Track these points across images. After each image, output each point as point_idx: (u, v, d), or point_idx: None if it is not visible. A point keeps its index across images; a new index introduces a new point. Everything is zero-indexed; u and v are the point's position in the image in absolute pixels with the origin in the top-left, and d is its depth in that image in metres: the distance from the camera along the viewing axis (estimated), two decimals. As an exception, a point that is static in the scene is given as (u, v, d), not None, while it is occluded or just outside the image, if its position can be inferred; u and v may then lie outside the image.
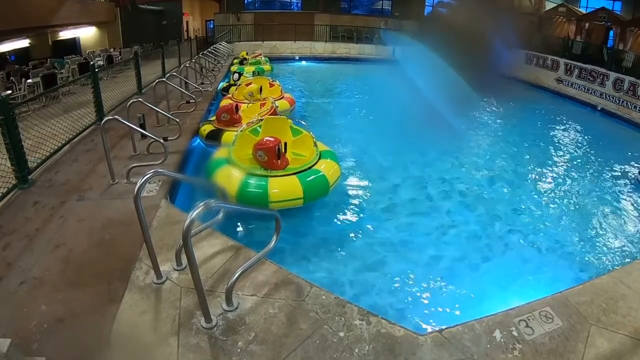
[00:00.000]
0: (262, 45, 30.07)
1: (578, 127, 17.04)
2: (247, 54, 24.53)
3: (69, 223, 5.59)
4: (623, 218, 8.98)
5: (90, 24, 26.11)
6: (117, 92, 12.36)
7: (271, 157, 7.24)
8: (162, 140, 7.62)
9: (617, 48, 23.48)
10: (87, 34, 26.39)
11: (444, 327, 4.09)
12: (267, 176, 7.11)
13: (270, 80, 15.38)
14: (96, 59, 19.66)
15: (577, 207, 9.32)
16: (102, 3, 27.60)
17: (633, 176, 11.19)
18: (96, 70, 10.31)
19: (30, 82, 13.30)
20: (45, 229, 5.43)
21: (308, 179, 7.20)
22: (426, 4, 38.01)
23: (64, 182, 6.89)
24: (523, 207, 9.02)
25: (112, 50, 23.40)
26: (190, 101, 12.14)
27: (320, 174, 7.43)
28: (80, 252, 4.92)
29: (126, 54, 21.42)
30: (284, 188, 6.98)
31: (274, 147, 7.22)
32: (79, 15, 23.80)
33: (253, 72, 18.76)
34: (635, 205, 9.63)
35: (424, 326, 5.06)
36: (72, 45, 24.93)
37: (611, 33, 25.50)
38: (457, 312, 5.49)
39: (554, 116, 18.35)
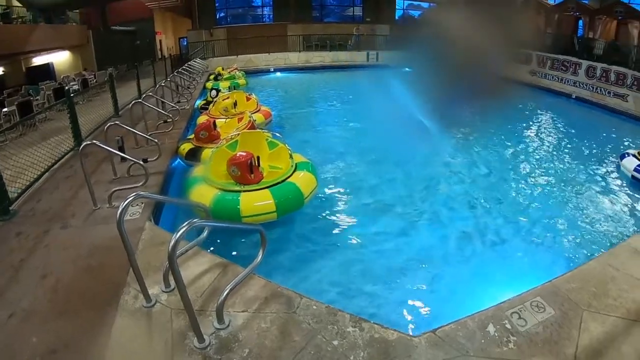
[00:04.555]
0: (237, 59, 30.09)
1: (555, 117, 17.59)
2: (222, 69, 24.55)
3: (54, 252, 5.56)
4: (607, 202, 9.26)
5: (63, 48, 25.93)
6: (94, 116, 12.27)
7: (244, 172, 7.32)
8: (141, 162, 7.58)
9: (587, 37, 23.87)
10: (60, 59, 26.20)
11: (437, 326, 4.12)
12: (239, 191, 7.16)
13: (247, 94, 15.45)
14: (71, 83, 19.54)
15: (561, 195, 9.58)
16: (74, 26, 27.45)
17: (614, 160, 11.47)
18: (71, 95, 10.23)
19: (5, 111, 13.16)
20: (31, 259, 5.40)
21: (281, 192, 7.25)
22: (397, 7, 38.51)
23: (46, 210, 6.85)
24: (506, 199, 9.26)
25: (86, 73, 23.22)
26: (168, 120, 12.14)
27: (294, 186, 7.47)
28: (68, 280, 4.90)
29: (101, 77, 21.30)
30: (255, 202, 7.04)
31: (245, 161, 7.30)
32: (52, 40, 23.66)
33: (229, 87, 18.81)
34: (618, 190, 9.94)
35: (418, 327, 5.10)
36: (46, 71, 24.74)
37: (580, 22, 25.84)
38: (449, 311, 5.50)
39: (530, 108, 18.68)
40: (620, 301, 4.46)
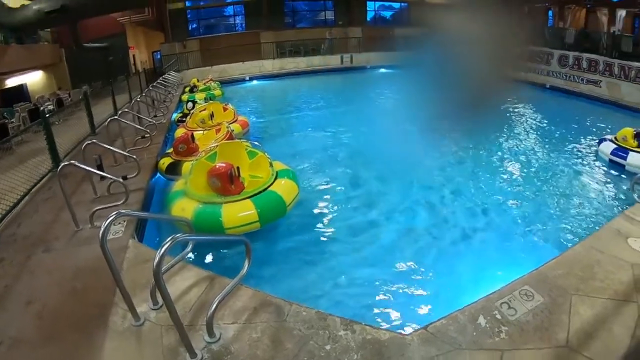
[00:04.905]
0: (211, 70, 30.01)
1: (531, 108, 17.88)
2: (197, 80, 24.46)
3: (38, 277, 5.53)
4: (587, 187, 9.53)
5: (36, 68, 25.61)
6: (70, 135, 12.17)
7: (224, 183, 7.29)
8: (121, 180, 7.56)
9: (558, 26, 24.22)
10: (34, 79, 25.89)
11: (428, 322, 4.17)
12: (221, 203, 7.15)
13: (224, 104, 15.41)
14: (46, 103, 19.36)
15: (542, 183, 9.78)
16: (47, 46, 27.22)
17: (593, 145, 11.85)
18: (47, 115, 10.11)
19: (-20, 136, 13.00)
20: (16, 285, 5.35)
21: (262, 202, 7.25)
22: (368, 9, 38.81)
23: (27, 235, 6.78)
24: (488, 190, 9.42)
25: (61, 92, 23.04)
26: (146, 136, 12.07)
27: (276, 194, 7.48)
28: (54, 304, 4.87)
29: (76, 95, 21.18)
30: (237, 213, 7.02)
31: (225, 172, 7.27)
32: (25, 61, 23.37)
33: (205, 98, 18.79)
34: (598, 174, 10.22)
35: (409, 326, 5.14)
36: (20, 92, 24.40)
37: (550, 12, 26.20)
38: (440, 306, 5.50)
39: (505, 102, 18.87)
40: (607, 283, 4.59)
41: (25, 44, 24.18)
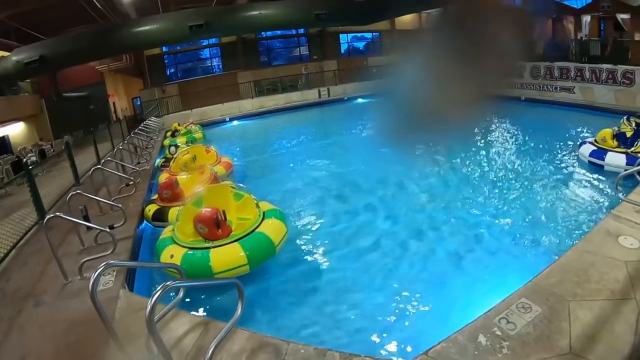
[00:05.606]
0: (191, 113, 30.23)
1: (510, 121, 18.37)
2: (179, 124, 24.68)
3: (30, 331, 5.53)
4: (572, 192, 9.87)
5: (17, 119, 25.65)
6: (55, 186, 12.20)
7: (211, 228, 7.34)
8: (108, 230, 7.59)
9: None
10: (15, 131, 25.83)
11: (428, 347, 4.17)
12: (208, 248, 7.16)
13: (206, 146, 15.53)
14: (29, 155, 19.41)
15: (527, 193, 10.08)
16: (27, 97, 27.23)
17: (573, 150, 12.39)
18: (30, 167, 10.17)
19: (-37, 191, 12.98)
20: (8, 341, 5.36)
21: (250, 244, 7.26)
22: (341, 41, 39.54)
23: (16, 289, 6.79)
24: (474, 206, 9.65)
25: (43, 143, 23.04)
26: (130, 183, 12.10)
27: (264, 235, 7.49)
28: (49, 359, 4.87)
29: (58, 145, 21.17)
30: (226, 257, 7.02)
31: (211, 217, 7.34)
32: (6, 112, 23.38)
33: (186, 142, 18.92)
34: (580, 177, 10.59)
35: (410, 353, 5.18)
36: (2, 144, 24.37)
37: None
38: (438, 329, 5.55)
39: (484, 118, 19.23)
40: (603, 284, 4.66)
41: (5, 96, 24.24)
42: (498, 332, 4.19)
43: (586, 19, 23.99)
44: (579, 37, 23.43)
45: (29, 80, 27.75)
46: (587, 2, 25.50)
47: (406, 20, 34.43)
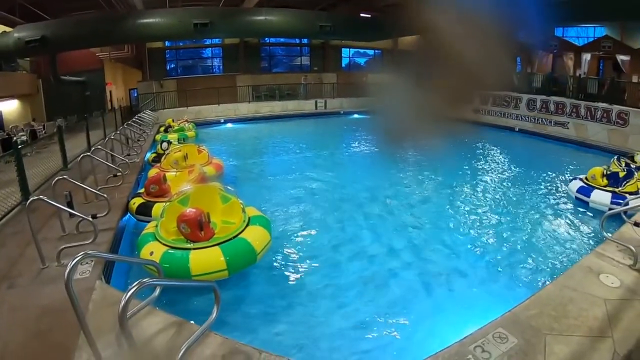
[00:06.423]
0: (187, 110, 30.13)
1: (502, 150, 18.79)
2: (173, 120, 24.65)
3: (1, 314, 5.45)
4: (558, 226, 9.95)
5: (12, 97, 25.51)
6: (42, 169, 12.12)
7: (194, 229, 7.28)
8: (90, 219, 7.52)
9: (525, 71, 25.20)
10: (9, 108, 25.61)
11: None
12: (189, 249, 7.09)
13: (198, 146, 15.51)
14: (19, 134, 19.25)
15: (514, 225, 10.12)
16: (24, 75, 27.14)
17: (563, 185, 12.61)
18: (19, 146, 10.10)
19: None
20: (-23, 321, 5.27)
21: (231, 249, 7.19)
22: (342, 55, 39.75)
23: (-8, 269, 6.69)
24: (461, 233, 9.75)
25: (35, 124, 22.86)
26: (118, 174, 12.02)
27: (246, 242, 7.41)
28: (17, 345, 4.79)
29: (50, 128, 21.07)
30: (206, 260, 6.95)
31: (195, 218, 7.28)
32: (1, 88, 23.33)
33: (177, 139, 18.86)
34: (567, 212, 10.72)
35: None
36: (-6, 120, 24.30)
37: (518, 59, 27.14)
38: (413, 353, 5.53)
39: (477, 145, 19.44)
40: (581, 320, 4.67)
41: (2, 71, 24.10)
42: (473, 360, 4.17)
43: (586, 57, 24.40)
44: (577, 74, 23.76)
45: (28, 59, 27.63)
46: (588, 40, 26.11)
47: (409, 40, 34.54)
